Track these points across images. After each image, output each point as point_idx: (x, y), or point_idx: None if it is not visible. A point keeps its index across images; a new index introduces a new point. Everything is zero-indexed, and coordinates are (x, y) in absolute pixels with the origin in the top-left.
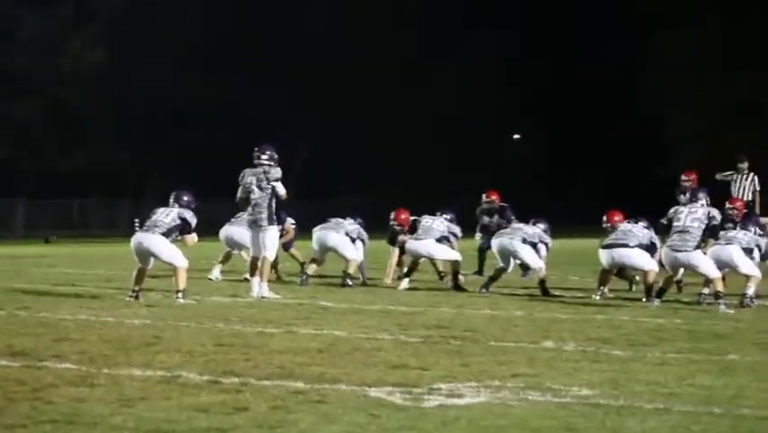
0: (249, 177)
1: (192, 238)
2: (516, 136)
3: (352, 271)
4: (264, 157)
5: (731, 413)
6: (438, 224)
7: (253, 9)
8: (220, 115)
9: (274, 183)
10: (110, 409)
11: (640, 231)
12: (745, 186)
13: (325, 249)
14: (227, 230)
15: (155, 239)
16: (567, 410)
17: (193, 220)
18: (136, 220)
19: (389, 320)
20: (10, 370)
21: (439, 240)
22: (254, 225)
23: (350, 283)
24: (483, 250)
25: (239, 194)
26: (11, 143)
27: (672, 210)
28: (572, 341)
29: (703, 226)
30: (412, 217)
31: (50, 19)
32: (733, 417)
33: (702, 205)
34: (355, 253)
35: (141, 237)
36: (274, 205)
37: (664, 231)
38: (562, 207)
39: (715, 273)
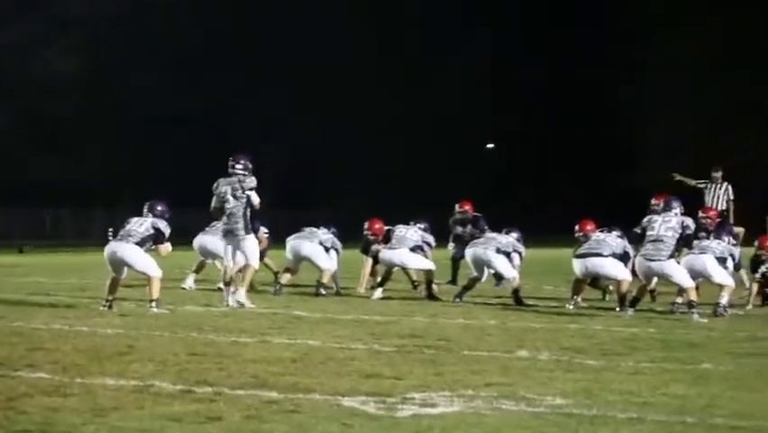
0: (223, 186)
1: (166, 248)
2: (489, 145)
3: (325, 280)
4: (239, 166)
5: (704, 422)
6: (412, 233)
7: (253, 9)
8: (205, 124)
9: (249, 192)
10: (83, 418)
11: (613, 240)
12: (719, 195)
13: (299, 258)
14: (201, 239)
15: (129, 248)
16: (541, 420)
17: (167, 230)
18: (110, 230)
19: (363, 330)
20: None
21: (413, 249)
22: (230, 234)
23: (323, 293)
24: (456, 260)
25: (213, 203)
26: None
27: (645, 219)
28: (546, 350)
29: (677, 236)
30: (386, 227)
31: (25, 26)
32: (706, 426)
33: (676, 214)
34: (329, 263)
35: (115, 247)
36: (249, 214)
37: (638, 240)
38: (562, 208)
39: (688, 283)
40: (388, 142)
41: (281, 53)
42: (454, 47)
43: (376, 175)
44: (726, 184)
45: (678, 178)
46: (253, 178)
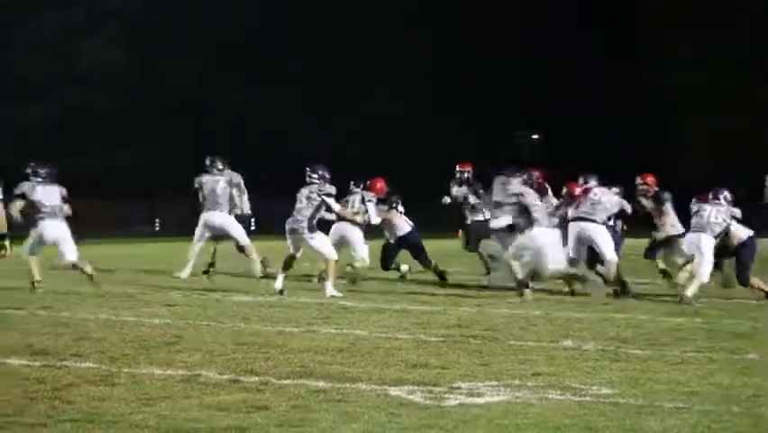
0: (302, 190)
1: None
2: (534, 136)
3: (358, 266)
4: (315, 176)
5: (750, 412)
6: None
7: (254, 9)
8: (248, 117)
9: (325, 197)
10: (130, 407)
11: (609, 199)
12: None
13: (342, 242)
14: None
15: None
16: (587, 409)
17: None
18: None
19: (409, 320)
20: (30, 369)
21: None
22: (294, 233)
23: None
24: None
25: None
26: (36, 142)
27: (695, 207)
28: (592, 340)
29: (725, 225)
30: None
31: (65, 19)
32: (752, 415)
33: (726, 203)
34: (366, 251)
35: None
36: (316, 217)
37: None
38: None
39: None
40: (388, 141)
41: (324, 41)
42: (454, 47)
43: (373, 175)
44: None
45: None
46: (332, 187)
